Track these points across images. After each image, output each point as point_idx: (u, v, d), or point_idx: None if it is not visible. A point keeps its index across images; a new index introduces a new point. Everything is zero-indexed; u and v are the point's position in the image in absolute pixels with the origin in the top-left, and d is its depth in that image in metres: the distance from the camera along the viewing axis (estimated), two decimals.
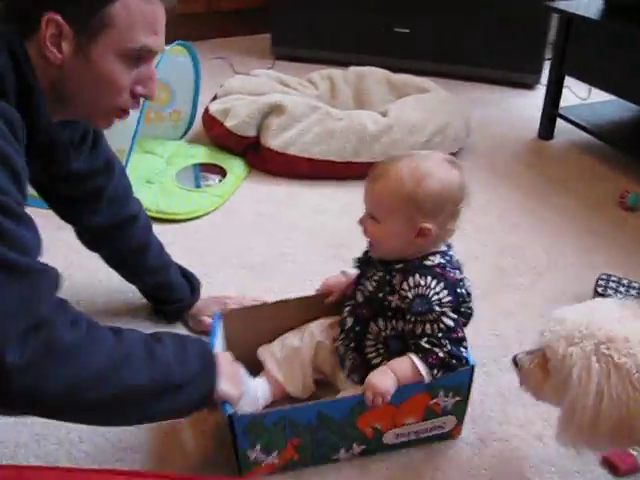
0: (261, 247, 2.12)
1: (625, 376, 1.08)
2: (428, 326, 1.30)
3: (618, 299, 1.26)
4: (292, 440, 1.33)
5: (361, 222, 1.37)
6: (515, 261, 2.07)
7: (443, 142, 2.60)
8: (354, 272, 1.50)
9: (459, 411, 1.42)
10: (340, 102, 2.90)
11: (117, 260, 1.73)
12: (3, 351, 0.95)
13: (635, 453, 1.38)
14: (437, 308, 1.30)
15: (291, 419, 1.30)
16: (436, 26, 3.54)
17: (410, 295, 1.31)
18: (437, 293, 1.30)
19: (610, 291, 1.84)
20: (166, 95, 2.67)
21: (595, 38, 2.63)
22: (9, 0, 1.18)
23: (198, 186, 2.45)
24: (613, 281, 1.88)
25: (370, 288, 1.40)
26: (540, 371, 1.21)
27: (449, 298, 1.31)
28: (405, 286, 1.32)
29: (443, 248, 1.38)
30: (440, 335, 1.30)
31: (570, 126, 2.83)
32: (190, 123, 2.81)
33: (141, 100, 1.29)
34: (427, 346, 1.30)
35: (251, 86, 2.83)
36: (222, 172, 2.52)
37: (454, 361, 1.31)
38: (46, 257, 2.05)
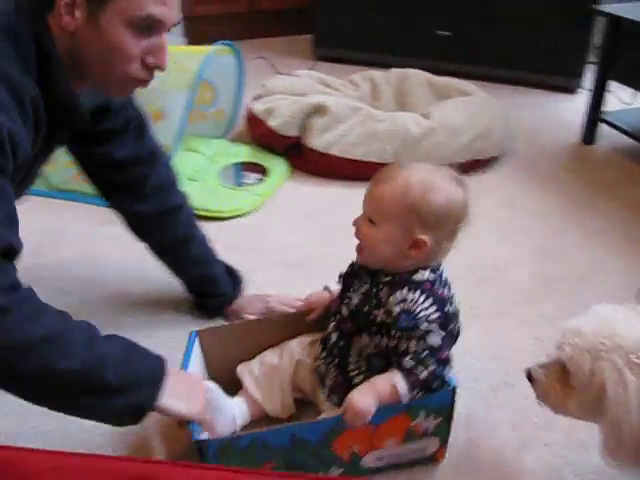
0: (302, 246, 2.13)
1: None
2: (413, 343, 1.25)
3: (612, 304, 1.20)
4: (266, 463, 1.27)
5: (355, 223, 1.33)
6: (557, 266, 2.06)
7: (485, 145, 2.60)
8: (337, 288, 1.46)
9: (442, 432, 1.36)
10: (381, 103, 2.91)
11: (161, 249, 1.76)
12: None
13: None
14: (424, 325, 1.24)
15: (264, 442, 1.24)
16: (477, 29, 3.53)
17: (396, 310, 1.26)
18: (425, 309, 1.25)
19: None
20: (210, 94, 2.70)
21: None
22: None
23: (240, 184, 2.47)
24: None
25: (355, 301, 1.35)
26: (560, 385, 1.17)
27: (437, 315, 1.26)
28: (392, 300, 1.27)
29: (434, 264, 1.33)
30: (425, 354, 1.24)
31: (613, 131, 2.81)
32: (232, 122, 2.83)
33: (156, 72, 1.29)
34: (410, 365, 1.24)
35: (294, 86, 2.85)
36: (263, 171, 2.54)
37: (437, 382, 1.26)
38: (90, 250, 2.11)
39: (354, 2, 3.75)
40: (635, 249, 2.14)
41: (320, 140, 2.52)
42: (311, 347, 1.47)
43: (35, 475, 0.69)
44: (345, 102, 2.62)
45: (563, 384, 1.16)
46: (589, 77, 3.20)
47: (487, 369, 1.63)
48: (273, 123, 2.59)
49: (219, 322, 1.78)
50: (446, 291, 1.32)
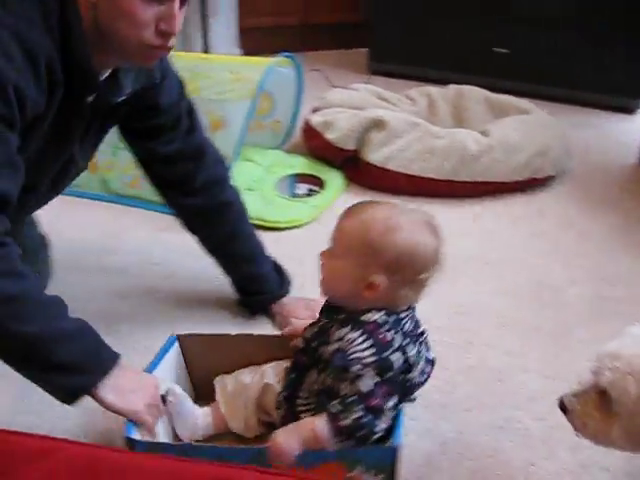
0: None
1: None
2: (344, 386, 1.19)
3: None
4: None
5: (321, 254, 1.30)
6: (614, 288, 2.02)
7: (543, 165, 2.58)
8: None
9: None
10: (438, 119, 2.90)
11: (211, 245, 1.79)
12: None
13: None
14: (356, 367, 1.17)
15: (191, 456, 1.20)
16: (535, 47, 3.49)
17: (333, 347, 1.22)
18: (360, 351, 1.18)
19: None
20: (268, 104, 2.71)
21: None
22: None
23: (295, 196, 2.49)
24: None
25: (309, 335, 1.33)
26: (599, 414, 1.10)
27: (373, 359, 1.18)
28: (333, 337, 1.23)
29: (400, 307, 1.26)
30: (352, 399, 1.17)
31: None
32: (289, 133, 2.85)
33: (171, 41, 1.32)
34: (336, 409, 1.18)
35: (351, 100, 2.85)
36: (319, 183, 2.55)
37: (363, 432, 1.17)
38: (147, 254, 2.14)
39: (410, 17, 3.75)
40: None
41: (378, 154, 2.52)
42: (285, 373, 1.41)
43: (119, 474, 0.70)
44: (403, 117, 2.62)
45: (603, 412, 1.10)
46: None
47: (544, 389, 1.62)
48: (331, 136, 2.60)
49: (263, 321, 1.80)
50: (397, 337, 1.23)
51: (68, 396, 1.24)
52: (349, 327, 1.22)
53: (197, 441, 1.39)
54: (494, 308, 1.91)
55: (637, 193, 2.64)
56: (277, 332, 1.59)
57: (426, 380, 1.34)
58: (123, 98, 1.50)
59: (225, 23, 3.92)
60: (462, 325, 1.84)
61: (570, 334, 1.82)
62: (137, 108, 1.59)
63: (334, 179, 2.58)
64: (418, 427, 1.48)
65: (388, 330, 1.22)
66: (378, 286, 1.22)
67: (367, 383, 1.17)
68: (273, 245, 1.89)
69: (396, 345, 1.22)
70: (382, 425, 1.19)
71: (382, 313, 1.23)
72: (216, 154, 1.76)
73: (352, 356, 1.18)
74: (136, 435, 1.25)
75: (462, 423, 1.51)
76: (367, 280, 1.22)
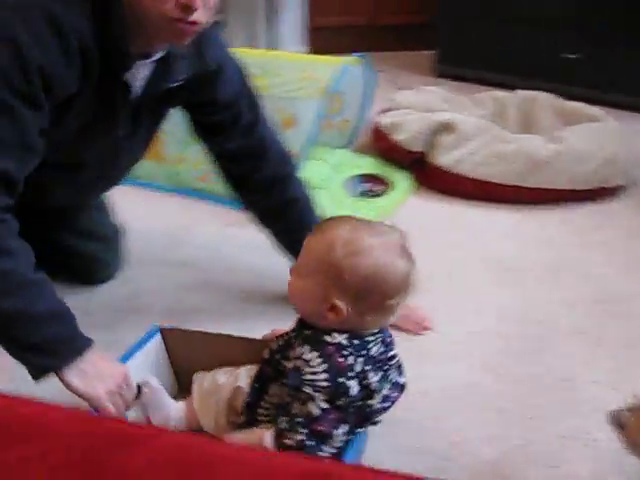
0: (423, 264, 2.12)
1: None
2: (295, 405, 1.16)
3: None
4: None
5: (289, 270, 1.26)
6: None
7: (612, 174, 2.55)
8: None
9: None
10: (506, 124, 2.88)
11: (281, 240, 1.81)
12: None
13: None
14: (307, 389, 1.14)
15: None
16: (605, 54, 3.45)
17: (291, 365, 1.19)
18: (314, 373, 1.15)
19: None
20: (338, 103, 2.73)
21: None
22: None
23: (362, 195, 2.50)
24: None
25: (274, 347, 1.31)
26: None
27: (325, 384, 1.14)
28: (294, 353, 1.20)
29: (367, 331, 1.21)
30: (298, 420, 1.14)
31: None
32: (356, 133, 2.86)
33: (195, 15, 1.30)
34: (283, 426, 1.16)
35: (420, 102, 2.86)
36: (385, 184, 2.56)
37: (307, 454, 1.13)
38: (215, 249, 2.15)
39: (478, 21, 3.73)
40: None
41: (446, 158, 2.52)
42: (252, 380, 1.38)
43: (217, 466, 0.71)
44: (472, 121, 2.62)
45: None
46: None
47: (613, 400, 1.60)
48: (399, 137, 2.61)
49: None
50: (359, 361, 1.18)
51: (37, 372, 1.28)
52: (308, 347, 1.18)
53: None
54: (562, 316, 1.90)
55: None
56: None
57: (390, 406, 1.28)
58: (178, 84, 1.53)
59: (292, 21, 3.94)
60: (529, 333, 1.83)
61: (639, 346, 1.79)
62: (196, 101, 1.63)
63: (401, 181, 2.59)
64: (483, 433, 1.49)
65: (350, 354, 1.18)
66: (340, 310, 1.17)
67: (315, 407, 1.14)
68: None
69: (356, 370, 1.18)
70: (330, 450, 1.16)
71: (345, 336, 1.19)
72: (280, 150, 1.78)
73: (306, 377, 1.15)
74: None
75: (528, 431, 1.51)
76: (330, 302, 1.17)
